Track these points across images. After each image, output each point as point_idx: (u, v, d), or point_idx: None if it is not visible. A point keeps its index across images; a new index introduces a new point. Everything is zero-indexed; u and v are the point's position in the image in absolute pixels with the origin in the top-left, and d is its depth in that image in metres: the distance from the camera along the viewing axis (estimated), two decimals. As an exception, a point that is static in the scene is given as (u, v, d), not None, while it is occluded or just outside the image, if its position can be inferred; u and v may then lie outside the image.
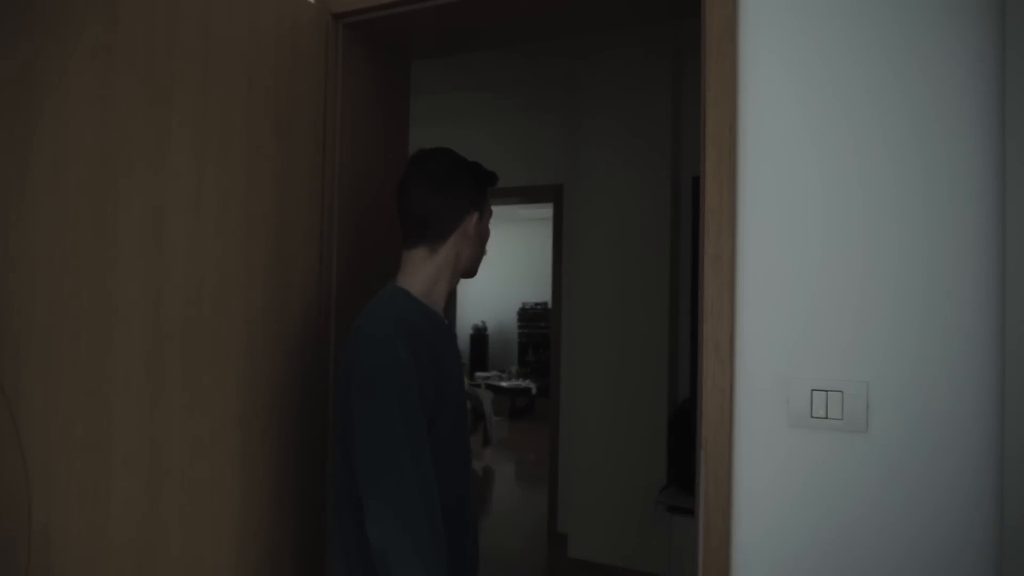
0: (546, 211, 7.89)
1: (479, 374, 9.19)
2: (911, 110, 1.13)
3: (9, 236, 0.98)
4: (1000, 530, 1.05)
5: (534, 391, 8.63)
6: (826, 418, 1.17)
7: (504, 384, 8.57)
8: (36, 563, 1.00)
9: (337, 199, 1.61)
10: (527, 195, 4.59)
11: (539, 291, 9.97)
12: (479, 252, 1.44)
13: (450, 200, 1.34)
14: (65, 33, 1.04)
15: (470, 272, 1.45)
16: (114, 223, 1.12)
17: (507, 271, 10.39)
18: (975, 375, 1.09)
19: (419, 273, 1.33)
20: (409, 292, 1.31)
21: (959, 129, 1.10)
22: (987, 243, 1.08)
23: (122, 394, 1.13)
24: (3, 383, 0.97)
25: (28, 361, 1.00)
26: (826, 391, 1.17)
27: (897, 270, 1.14)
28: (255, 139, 1.38)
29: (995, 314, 1.07)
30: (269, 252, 1.42)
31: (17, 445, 0.98)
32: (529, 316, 10.21)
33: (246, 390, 1.37)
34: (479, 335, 10.47)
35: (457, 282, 1.43)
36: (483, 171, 1.42)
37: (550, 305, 5.24)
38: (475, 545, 1.43)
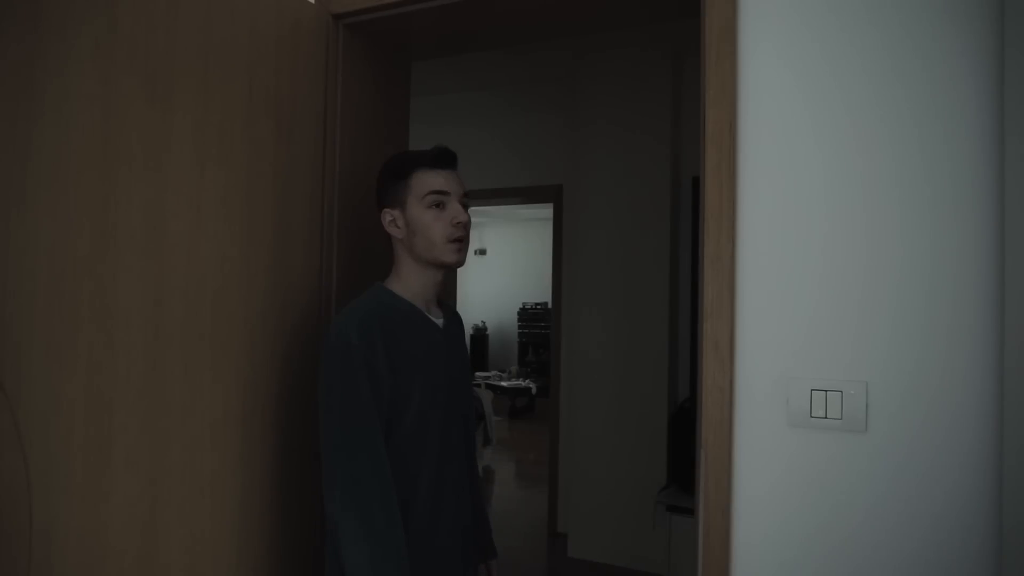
0: (546, 211, 7.88)
1: (479, 374, 9.18)
2: (913, 110, 1.13)
3: (9, 236, 0.98)
4: (1000, 530, 1.05)
5: (534, 391, 8.63)
6: (825, 418, 1.17)
7: (504, 384, 8.57)
8: (37, 563, 1.00)
9: (337, 199, 1.61)
10: (527, 195, 4.59)
11: (539, 291, 9.96)
12: (423, 240, 1.34)
13: (377, 202, 1.42)
14: (65, 33, 1.04)
15: (434, 261, 1.36)
16: (114, 223, 1.12)
17: (507, 271, 10.39)
18: (975, 375, 1.09)
19: (393, 271, 1.42)
20: (388, 288, 1.39)
21: (960, 128, 1.10)
22: (987, 243, 1.08)
23: (122, 394, 1.13)
24: (3, 383, 0.97)
25: (28, 361, 1.00)
26: (825, 391, 1.17)
27: (897, 270, 1.14)
28: (255, 139, 1.38)
29: (995, 314, 1.07)
30: (269, 252, 1.43)
31: (17, 445, 0.98)
32: (529, 316, 10.21)
33: (246, 390, 1.37)
34: (479, 335, 10.47)
35: (435, 274, 1.39)
36: (394, 162, 1.41)
37: (550, 305, 5.24)
38: (470, 542, 1.45)
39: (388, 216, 1.39)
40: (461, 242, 1.37)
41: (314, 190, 1.56)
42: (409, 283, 1.39)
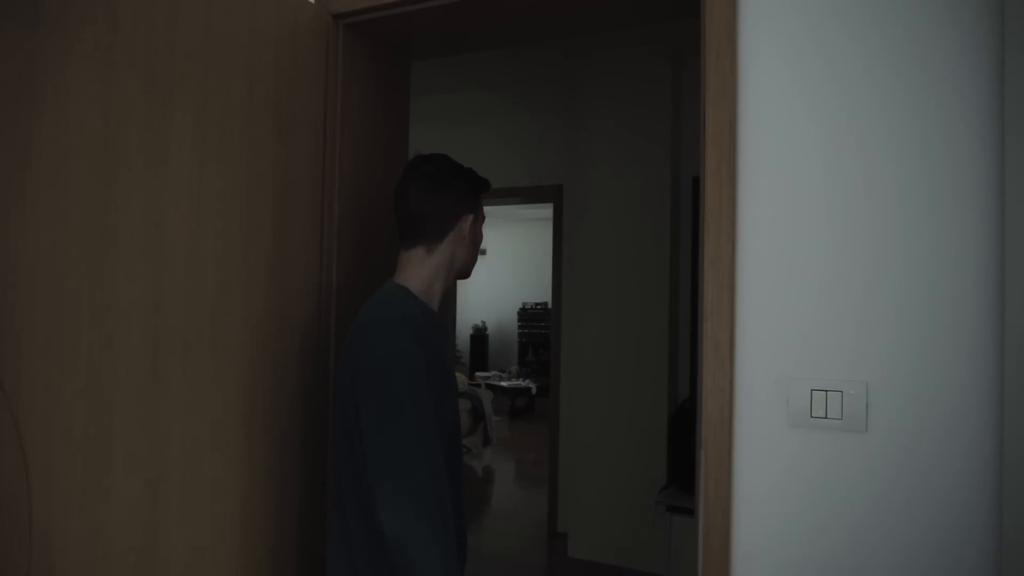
0: (546, 211, 7.89)
1: (479, 374, 9.19)
2: (913, 110, 1.13)
3: (9, 236, 0.98)
4: (1000, 530, 1.05)
5: (534, 391, 8.64)
6: (826, 418, 1.17)
7: (504, 384, 8.58)
8: (37, 563, 1.00)
9: (337, 199, 1.61)
10: (527, 195, 4.59)
11: (539, 291, 9.97)
12: (473, 254, 1.48)
13: (447, 201, 1.39)
14: (65, 33, 1.05)
15: (464, 273, 1.49)
16: (114, 223, 1.12)
17: (507, 271, 10.39)
18: (975, 375, 1.09)
19: (417, 272, 1.38)
20: (408, 289, 1.36)
21: (960, 127, 1.10)
22: (987, 242, 1.08)
23: (122, 394, 1.13)
24: (3, 383, 0.97)
25: (28, 361, 1.00)
26: (826, 391, 1.17)
27: (897, 270, 1.14)
28: (255, 139, 1.38)
29: (995, 314, 1.07)
30: (269, 252, 1.43)
31: (17, 445, 0.98)
32: (529, 316, 10.21)
33: (246, 390, 1.37)
34: (479, 335, 10.47)
35: (452, 282, 1.47)
36: (477, 176, 1.48)
37: (550, 305, 5.25)
38: (464, 536, 1.46)
39: (468, 221, 1.42)
40: None
41: (314, 190, 1.56)
42: (433, 286, 1.40)
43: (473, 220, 1.43)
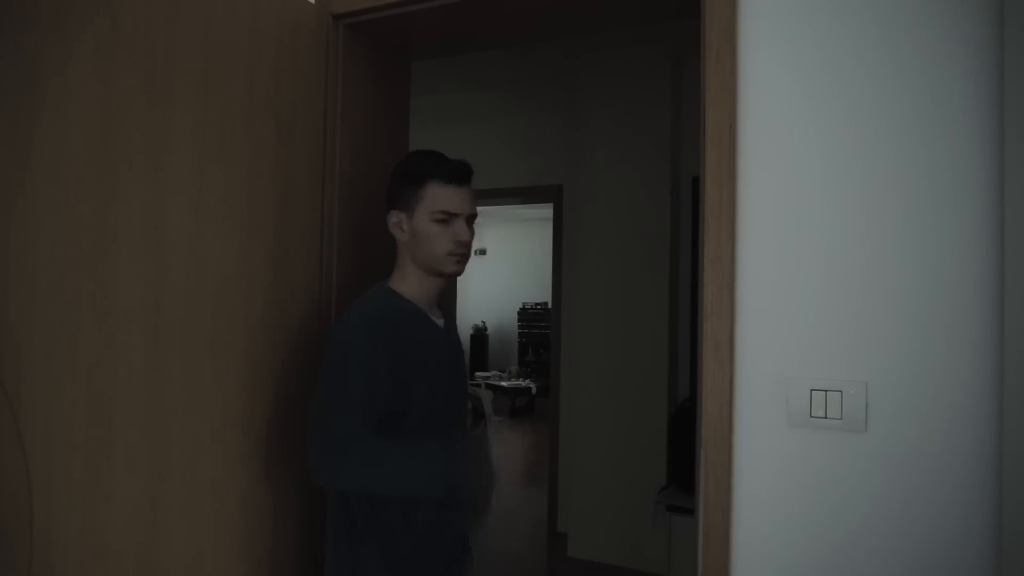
0: (546, 211, 7.89)
1: (479, 374, 9.18)
2: (913, 110, 1.13)
3: (9, 235, 0.98)
4: (1000, 530, 1.05)
5: (534, 391, 8.63)
6: (825, 418, 1.17)
7: (504, 384, 8.57)
8: (37, 563, 1.00)
9: (337, 199, 1.61)
10: (527, 195, 4.59)
11: (539, 291, 9.96)
12: (427, 248, 1.34)
13: (385, 200, 1.43)
14: (66, 33, 1.05)
15: (433, 270, 1.37)
16: (114, 222, 1.12)
17: (507, 271, 10.39)
18: (975, 375, 1.09)
19: (397, 272, 1.42)
20: (393, 289, 1.39)
21: (961, 128, 1.10)
22: (988, 243, 1.08)
23: (122, 394, 1.13)
24: (3, 383, 0.97)
25: (29, 361, 1.00)
26: (825, 391, 1.17)
27: (897, 270, 1.14)
28: (256, 139, 1.38)
29: (995, 314, 1.07)
30: (269, 252, 1.43)
31: (17, 445, 0.98)
32: (529, 316, 10.20)
33: (246, 390, 1.37)
34: (479, 335, 10.46)
35: (436, 279, 1.41)
36: (418, 166, 1.36)
37: (550, 305, 5.25)
38: (466, 536, 1.46)
39: (395, 218, 1.39)
40: (462, 255, 1.37)
41: (314, 190, 1.56)
42: (412, 285, 1.40)
43: (401, 214, 1.37)
